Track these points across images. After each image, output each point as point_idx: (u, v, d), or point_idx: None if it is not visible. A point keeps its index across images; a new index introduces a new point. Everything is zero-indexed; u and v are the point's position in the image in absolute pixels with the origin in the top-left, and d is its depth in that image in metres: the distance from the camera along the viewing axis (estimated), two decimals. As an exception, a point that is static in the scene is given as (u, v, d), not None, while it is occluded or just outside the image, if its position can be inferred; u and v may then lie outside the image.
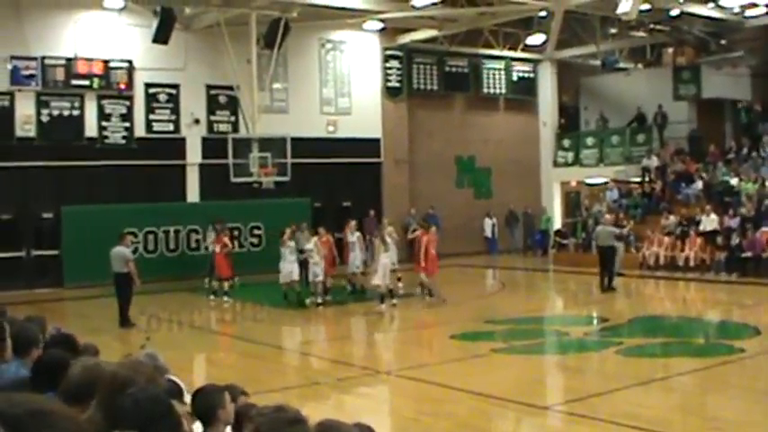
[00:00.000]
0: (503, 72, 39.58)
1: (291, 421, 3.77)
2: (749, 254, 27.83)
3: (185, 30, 30.42)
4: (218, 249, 25.53)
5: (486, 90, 39.25)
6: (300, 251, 23.62)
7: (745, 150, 33.80)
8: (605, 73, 39.36)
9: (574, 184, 39.88)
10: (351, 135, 34.37)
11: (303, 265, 23.89)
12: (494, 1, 31.76)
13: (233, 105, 31.75)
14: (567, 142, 39.63)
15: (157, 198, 30.27)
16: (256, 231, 32.00)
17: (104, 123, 29.73)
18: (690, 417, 12.11)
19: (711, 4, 32.69)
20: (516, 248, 38.54)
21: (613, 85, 40.09)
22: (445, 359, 16.72)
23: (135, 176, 29.99)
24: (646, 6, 29.90)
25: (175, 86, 30.98)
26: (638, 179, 35.60)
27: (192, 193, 31.52)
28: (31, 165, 28.24)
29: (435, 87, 37.83)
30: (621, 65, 39.50)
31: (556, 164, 39.61)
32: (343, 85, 34.89)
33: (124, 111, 30.07)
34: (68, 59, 28.95)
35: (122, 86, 29.89)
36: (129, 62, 29.99)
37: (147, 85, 30.52)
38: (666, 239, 30.36)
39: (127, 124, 30.08)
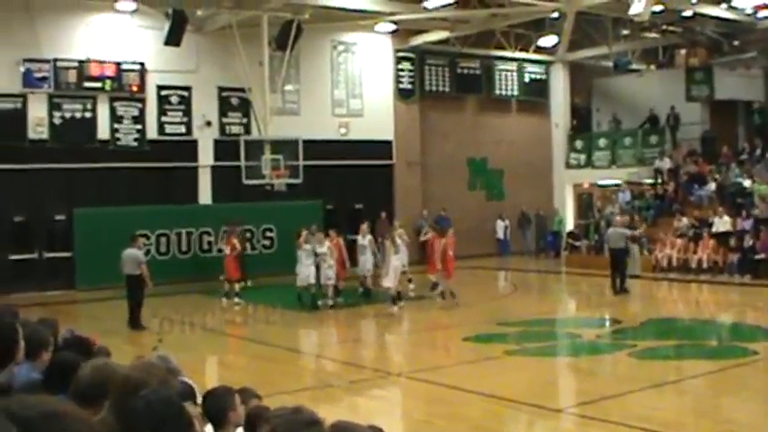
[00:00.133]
0: (515, 74, 39.55)
1: (308, 423, 3.77)
2: (762, 255, 27.70)
3: (197, 32, 30.45)
4: (227, 251, 25.58)
5: (498, 92, 39.22)
6: (315, 254, 23.60)
7: (758, 152, 33.66)
8: (618, 74, 39.29)
9: (586, 185, 39.79)
10: (363, 137, 34.38)
11: (316, 267, 23.91)
12: (506, 2, 31.71)
13: (245, 107, 31.79)
14: (579, 144, 39.57)
15: (169, 200, 30.32)
16: (269, 234, 32.02)
17: (116, 125, 29.79)
18: (703, 419, 12.06)
19: (724, 5, 32.55)
20: (528, 250, 38.48)
21: (626, 86, 40.02)
22: (458, 361, 16.72)
23: (147, 178, 30.05)
24: (658, 7, 29.82)
25: (187, 89, 31.03)
26: (651, 181, 35.52)
27: (204, 195, 31.57)
28: (43, 167, 28.30)
29: (447, 89, 37.81)
30: (634, 66, 39.45)
31: (568, 165, 39.55)
32: (355, 87, 34.90)
33: (136, 113, 30.13)
34: (81, 62, 29.02)
35: (134, 89, 29.95)
36: (142, 64, 30.05)
37: (160, 88, 30.58)
38: (679, 241, 30.26)
39: (139, 126, 30.14)
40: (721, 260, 28.83)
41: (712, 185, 32.84)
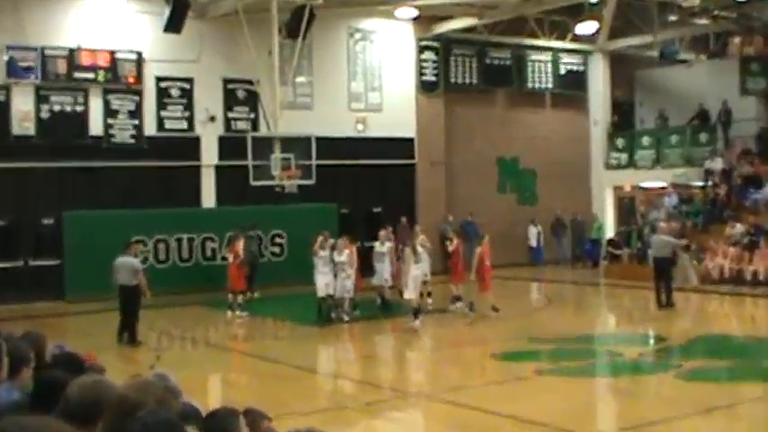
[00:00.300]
0: (549, 65, 39.50)
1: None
2: (825, 267, 27.58)
3: (200, 18, 30.53)
4: (230, 259, 25.61)
5: (530, 84, 39.17)
6: (332, 261, 23.56)
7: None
8: (663, 65, 39.11)
9: (628, 188, 39.66)
10: (382, 134, 34.41)
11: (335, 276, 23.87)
12: (540, -14, 31.73)
13: (252, 101, 31.88)
14: (620, 142, 39.44)
15: (169, 203, 30.40)
16: (278, 240, 32.08)
17: (111, 120, 29.89)
18: (758, 448, 12.01)
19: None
20: (564, 259, 38.39)
21: (673, 78, 39.85)
22: (485, 381, 16.70)
23: (144, 179, 30.15)
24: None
25: (189, 80, 31.14)
26: (701, 183, 35.34)
27: (208, 198, 31.66)
28: (29, 166, 28.42)
29: (475, 81, 37.78)
30: (682, 56, 39.24)
31: (608, 166, 39.43)
32: (374, 79, 34.92)
33: (132, 107, 30.23)
34: (71, 50, 29.12)
35: (131, 80, 30.05)
36: (139, 54, 30.15)
37: (158, 79, 30.68)
38: (732, 250, 30.10)
39: (135, 122, 30.25)
40: (779, 272, 28.73)
41: (769, 188, 32.73)
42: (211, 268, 29.87)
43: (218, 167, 31.61)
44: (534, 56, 39.07)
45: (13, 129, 28.42)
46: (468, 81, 37.62)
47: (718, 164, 34.98)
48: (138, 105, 30.32)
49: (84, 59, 29.32)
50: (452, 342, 21.74)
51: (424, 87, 36.19)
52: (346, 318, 23.46)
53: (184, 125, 31.13)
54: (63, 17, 29.12)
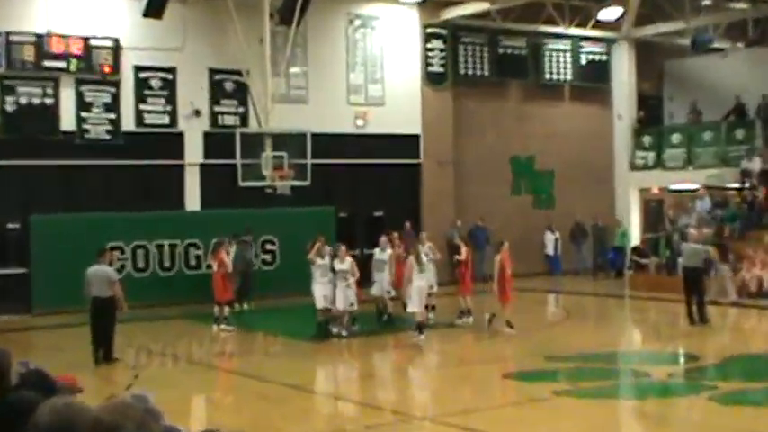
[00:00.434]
0: (569, 54, 39.51)
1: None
2: None
3: (183, 2, 30.56)
4: (214, 267, 25.55)
5: (548, 76, 39.19)
6: (332, 270, 23.48)
7: None
8: (696, 55, 39.09)
9: (656, 191, 39.65)
10: (384, 130, 34.41)
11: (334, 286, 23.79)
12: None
13: (241, 94, 31.88)
14: (647, 140, 39.40)
15: (149, 205, 30.39)
16: (269, 247, 32.04)
17: (84, 114, 29.88)
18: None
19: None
20: (584, 269, 38.36)
21: (706, 69, 39.84)
22: (497, 403, 16.68)
23: (121, 179, 30.17)
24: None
25: (171, 70, 31.14)
26: (737, 185, 35.31)
27: (192, 200, 31.65)
28: (-6, 164, 28.52)
29: (486, 73, 37.78)
30: (716, 44, 39.19)
31: (633, 166, 39.40)
32: (375, 71, 34.93)
33: (108, 99, 30.22)
34: (39, 36, 29.08)
35: (106, 70, 30.03)
36: (115, 40, 30.12)
37: (137, 69, 30.67)
38: (772, 260, 30.16)
39: (112, 116, 30.23)
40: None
41: (814, 192, 32.73)
42: (196, 278, 29.79)
43: (203, 167, 31.60)
44: (552, 44, 39.07)
45: (-26, 123, 28.50)
46: (478, 72, 37.61)
47: (756, 164, 34.94)
48: (115, 98, 30.30)
49: (55, 46, 29.27)
50: (461, 360, 21.74)
51: (431, 79, 36.18)
52: (345, 333, 23.41)
53: (166, 120, 31.11)
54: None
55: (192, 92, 31.28)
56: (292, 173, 29.17)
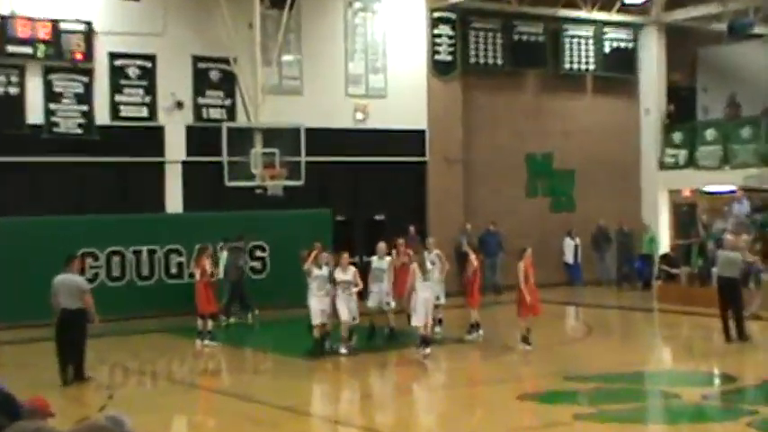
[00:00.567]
0: (591, 41, 39.52)
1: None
2: None
3: (165, -18, 30.67)
4: (197, 276, 25.49)
5: (568, 65, 39.22)
6: (331, 281, 23.42)
7: None
8: (733, 41, 39.11)
9: (687, 193, 39.63)
10: (386, 125, 34.45)
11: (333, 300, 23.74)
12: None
13: (228, 84, 31.88)
14: (678, 136, 39.41)
15: (126, 207, 30.43)
16: (259, 254, 31.99)
17: (53, 106, 29.88)
18: None
19: None
20: (607, 279, 38.41)
21: (744, 57, 39.86)
22: (511, 428, 16.64)
23: (95, 178, 30.19)
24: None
25: (151, 58, 31.14)
26: (778, 187, 35.37)
27: (173, 201, 31.66)
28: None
29: (500, 62, 37.81)
30: (756, 30, 39.15)
31: (663, 165, 39.43)
32: (377, 59, 34.95)
33: (80, 89, 30.23)
34: (2, 18, 29.07)
35: (78, 57, 30.03)
36: (88, 24, 30.12)
37: (112, 56, 30.68)
38: (818, 270, 30.12)
39: (84, 108, 30.24)
40: None
41: None
42: (177, 287, 29.77)
43: (185, 164, 31.62)
44: (573, 30, 39.11)
45: (-70, 116, 28.55)
46: (491, 61, 37.64)
47: (799, 163, 35.03)
48: (88, 88, 30.32)
49: (20, 30, 29.25)
50: (471, 379, 21.73)
51: (438, 69, 36.20)
52: (343, 350, 23.36)
53: (144, 112, 31.12)
54: (-6, -22, 29.19)
55: (174, 82, 31.27)
56: (285, 172, 29.21)
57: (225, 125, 29.85)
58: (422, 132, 35.66)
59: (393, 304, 25.16)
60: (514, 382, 20.42)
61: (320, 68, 33.58)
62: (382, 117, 34.43)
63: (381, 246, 25.69)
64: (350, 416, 18.69)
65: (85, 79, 30.25)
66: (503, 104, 37.82)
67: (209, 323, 25.22)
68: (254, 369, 24.27)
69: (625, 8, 38.73)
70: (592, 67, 39.73)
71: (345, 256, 23.81)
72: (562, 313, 32.89)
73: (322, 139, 31.12)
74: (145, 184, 31.17)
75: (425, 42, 35.94)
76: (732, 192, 36.44)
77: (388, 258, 25.43)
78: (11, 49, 29.13)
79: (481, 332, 24.81)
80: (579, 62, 39.45)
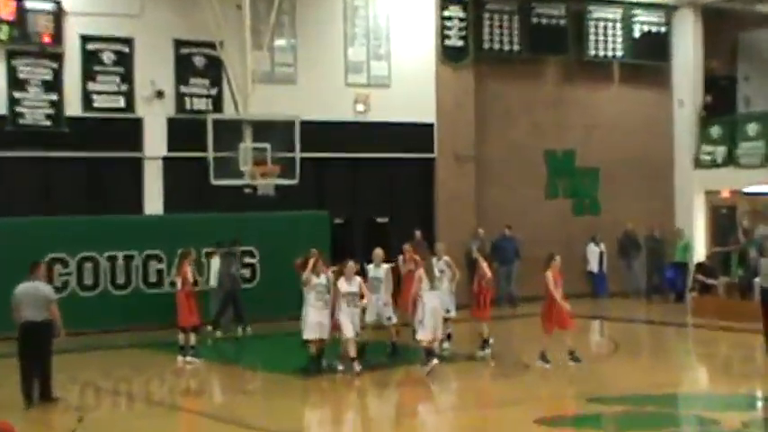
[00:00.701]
0: (619, 25, 39.56)
1: None
2: None
3: (143, -43, 30.69)
4: (178, 285, 25.44)
5: (592, 52, 39.25)
6: (329, 292, 23.39)
7: None
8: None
9: (726, 194, 39.59)
10: (390, 118, 34.50)
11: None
12: None
13: (214, 71, 31.93)
14: (716, 131, 39.39)
15: (99, 208, 30.50)
16: (248, 260, 31.95)
17: (18, 95, 29.93)
18: None
19: None
20: (636, 290, 38.43)
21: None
22: (529, 456, 16.61)
23: (65, 175, 30.27)
24: None
25: (128, 42, 31.18)
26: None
27: (153, 201, 31.69)
28: None
29: (516, 48, 37.86)
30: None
31: (699, 164, 39.44)
32: (380, 44, 34.98)
33: (49, 76, 30.28)
34: (-39, -2, 29.23)
35: (46, 40, 30.05)
36: (57, 3, 30.17)
37: (85, 39, 30.72)
38: None
39: (53, 97, 30.28)
40: None
41: None
42: (156, 297, 29.86)
43: (166, 161, 31.68)
44: (598, 13, 39.19)
45: None
46: (507, 47, 37.71)
47: None
48: (57, 75, 30.38)
49: (-20, 10, 29.37)
50: (483, 401, 21.69)
51: (448, 55, 36.23)
52: (340, 367, 23.32)
53: (121, 102, 31.19)
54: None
55: (153, 68, 31.27)
56: (277, 169, 29.25)
57: (210, 117, 29.84)
58: (429, 126, 35.70)
59: (394, 319, 25.08)
60: (531, 403, 20.35)
61: (317, 54, 33.64)
62: (385, 109, 34.46)
63: (378, 252, 25.50)
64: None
65: (54, 65, 30.28)
66: (519, 95, 37.82)
67: (192, 337, 25.19)
68: (241, 388, 24.20)
69: (657, -12, 38.83)
70: (619, 53, 39.77)
71: (351, 264, 23.61)
72: (585, 327, 32.79)
73: (318, 132, 31.13)
74: (121, 182, 31.22)
75: (434, 26, 35.99)
76: (776, 193, 36.57)
77: (385, 266, 25.31)
78: (-30, 32, 29.26)
79: (488, 350, 24.79)
80: (605, 48, 39.48)
